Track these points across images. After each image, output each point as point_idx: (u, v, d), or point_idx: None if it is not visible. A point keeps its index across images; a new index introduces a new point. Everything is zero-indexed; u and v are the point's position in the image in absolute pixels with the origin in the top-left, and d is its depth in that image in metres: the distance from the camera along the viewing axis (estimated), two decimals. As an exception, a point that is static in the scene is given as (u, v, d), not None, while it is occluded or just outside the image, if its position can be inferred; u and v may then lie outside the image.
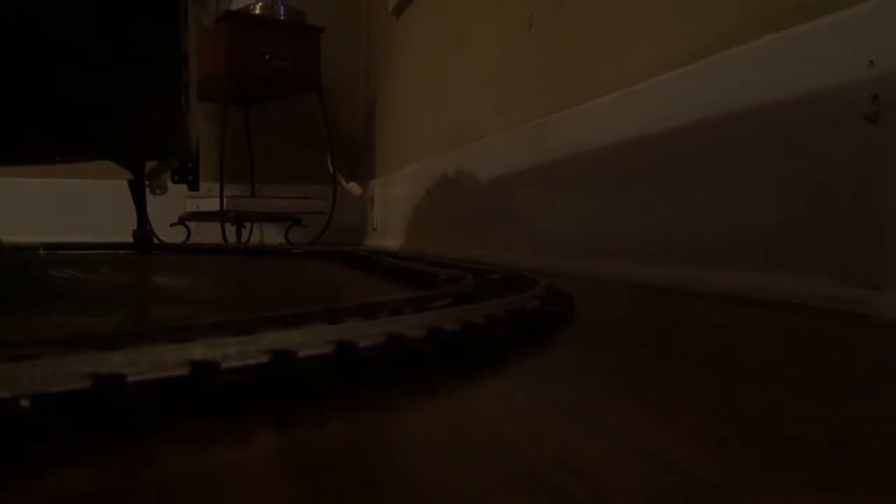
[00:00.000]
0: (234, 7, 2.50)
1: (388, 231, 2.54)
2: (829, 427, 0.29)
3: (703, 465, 0.24)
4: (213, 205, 2.37)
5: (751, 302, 0.74)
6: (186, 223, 2.48)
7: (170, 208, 2.22)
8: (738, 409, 0.32)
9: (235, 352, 0.31)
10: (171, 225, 2.27)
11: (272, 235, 2.88)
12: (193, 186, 2.10)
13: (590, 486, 0.22)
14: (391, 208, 2.53)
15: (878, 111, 0.63)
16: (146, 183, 1.29)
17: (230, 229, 2.49)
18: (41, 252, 1.74)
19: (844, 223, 0.67)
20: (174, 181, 2.08)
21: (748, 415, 0.31)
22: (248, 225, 2.71)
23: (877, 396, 0.35)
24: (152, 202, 1.42)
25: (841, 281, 0.66)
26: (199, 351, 0.30)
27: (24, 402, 0.25)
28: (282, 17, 2.54)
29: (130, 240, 1.99)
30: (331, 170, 2.62)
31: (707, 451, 0.25)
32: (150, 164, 1.70)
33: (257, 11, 2.51)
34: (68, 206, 2.55)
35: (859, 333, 0.57)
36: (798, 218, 0.73)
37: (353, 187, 2.69)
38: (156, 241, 1.91)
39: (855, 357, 0.48)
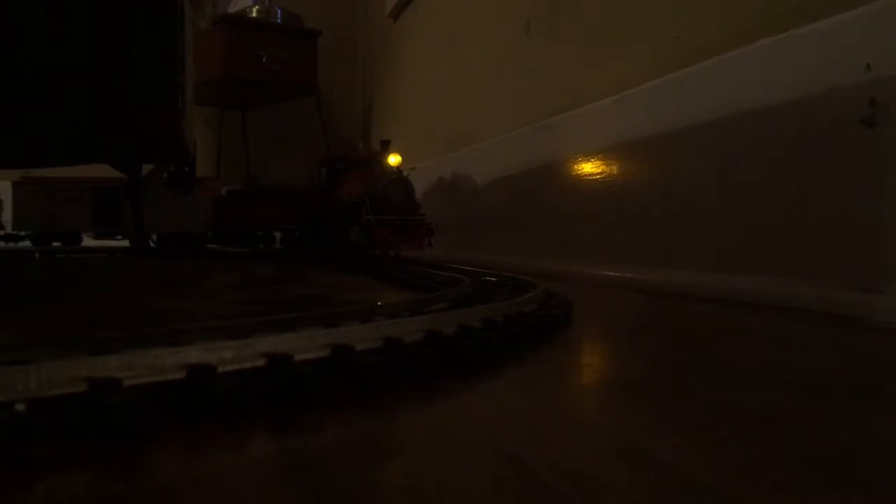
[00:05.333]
0: (231, 11, 2.50)
1: (385, 235, 2.54)
2: (828, 431, 0.29)
3: (702, 470, 0.23)
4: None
5: (750, 306, 0.74)
6: None
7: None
8: (737, 413, 0.32)
9: (232, 356, 0.31)
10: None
11: (269, 239, 2.88)
12: (189, 190, 2.10)
13: (587, 490, 0.21)
14: (388, 212, 2.52)
15: (875, 115, 0.63)
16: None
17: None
18: (36, 256, 1.73)
19: (842, 227, 0.67)
20: (171, 184, 2.08)
21: (747, 419, 0.31)
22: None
23: (876, 401, 0.35)
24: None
25: (840, 285, 0.66)
26: (195, 355, 0.30)
27: (20, 407, 0.24)
28: (278, 21, 2.54)
29: (127, 243, 1.99)
30: (327, 173, 2.62)
31: (706, 455, 0.25)
32: (146, 168, 1.70)
33: (254, 15, 2.51)
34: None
35: (859, 337, 0.57)
36: (796, 221, 0.73)
37: (351, 191, 2.68)
38: (151, 244, 1.91)
39: (854, 361, 0.48)
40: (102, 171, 1.53)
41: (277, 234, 2.10)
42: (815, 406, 0.33)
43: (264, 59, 2.39)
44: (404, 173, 1.48)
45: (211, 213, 2.00)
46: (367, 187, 1.46)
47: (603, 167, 1.11)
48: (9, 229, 2.04)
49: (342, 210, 1.54)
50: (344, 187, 1.60)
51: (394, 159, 1.45)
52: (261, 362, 0.32)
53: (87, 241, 2.08)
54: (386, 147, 1.48)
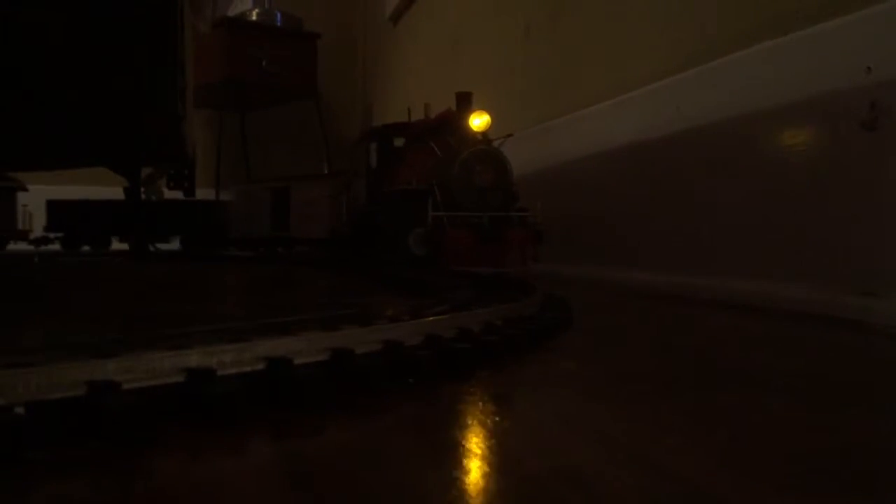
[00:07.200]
0: (230, 14, 2.50)
1: (385, 237, 2.53)
2: (829, 435, 0.29)
3: (703, 474, 0.23)
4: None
5: (750, 309, 0.74)
6: None
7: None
8: (738, 416, 0.32)
9: (231, 359, 0.31)
10: None
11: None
12: (189, 193, 2.10)
13: (588, 494, 0.21)
14: (388, 215, 2.51)
15: (876, 118, 0.63)
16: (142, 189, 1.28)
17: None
18: (36, 259, 1.73)
19: (843, 230, 0.67)
20: (170, 187, 2.08)
21: (748, 422, 0.31)
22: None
23: (876, 404, 0.35)
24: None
25: (839, 288, 0.66)
26: (194, 358, 0.30)
27: (19, 410, 0.24)
28: (278, 24, 2.54)
29: (126, 246, 1.99)
30: (327, 175, 2.62)
31: (707, 459, 0.25)
32: (146, 171, 1.69)
33: (254, 18, 2.52)
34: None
35: (858, 341, 0.57)
36: (797, 225, 0.72)
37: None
38: (151, 247, 1.90)
39: (854, 365, 0.47)
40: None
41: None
42: (816, 409, 0.33)
43: (264, 63, 2.39)
44: (495, 143, 0.94)
45: (335, 216, 1.59)
46: (435, 167, 0.93)
47: (601, 169, 1.11)
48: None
49: (398, 204, 0.99)
50: (402, 170, 1.07)
51: (478, 121, 0.92)
52: (260, 366, 0.31)
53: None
54: (465, 103, 0.94)
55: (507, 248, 0.87)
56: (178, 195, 1.91)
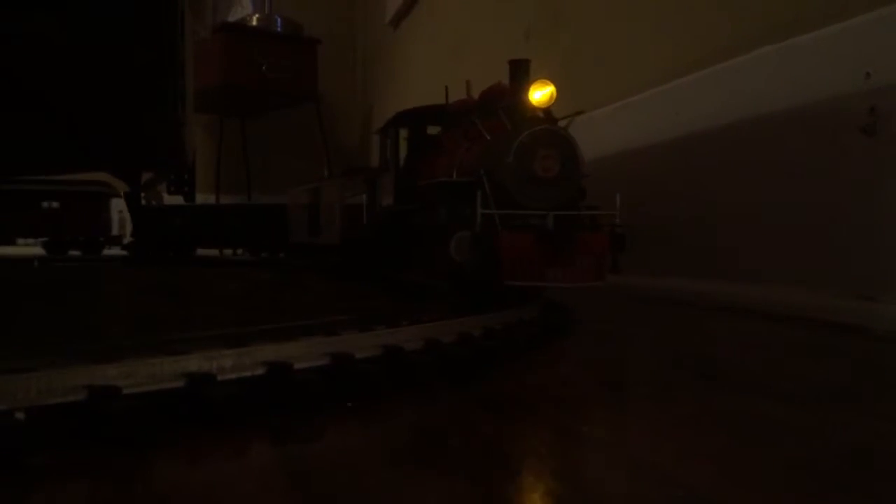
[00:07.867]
0: (231, 19, 2.51)
1: (385, 242, 2.53)
2: (828, 439, 0.29)
3: (703, 479, 0.23)
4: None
5: (750, 313, 0.74)
6: None
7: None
8: (738, 420, 0.32)
9: (231, 364, 0.31)
10: None
11: (269, 247, 2.87)
12: (189, 197, 2.10)
13: (589, 499, 0.21)
14: (388, 219, 2.51)
15: (875, 123, 0.63)
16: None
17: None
18: (35, 263, 1.73)
19: (842, 235, 0.67)
20: (170, 192, 2.08)
21: (748, 427, 0.31)
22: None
23: (875, 408, 0.35)
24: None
25: (839, 292, 0.66)
26: (194, 363, 0.30)
27: (20, 415, 0.24)
28: (279, 29, 2.54)
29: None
30: (327, 180, 2.62)
31: (707, 463, 0.25)
32: (145, 175, 1.69)
33: (254, 23, 2.52)
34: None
35: (857, 345, 0.57)
36: (796, 229, 0.72)
37: (351, 198, 2.67)
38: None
39: (853, 369, 0.47)
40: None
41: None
42: (815, 414, 0.33)
43: (264, 68, 2.39)
44: (561, 123, 0.73)
45: (351, 219, 1.30)
46: (484, 154, 0.72)
47: (600, 174, 1.11)
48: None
49: (435, 201, 0.79)
50: (439, 160, 0.86)
51: (539, 94, 0.72)
52: (260, 371, 0.31)
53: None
54: (522, 73, 0.74)
55: (578, 257, 0.65)
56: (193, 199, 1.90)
